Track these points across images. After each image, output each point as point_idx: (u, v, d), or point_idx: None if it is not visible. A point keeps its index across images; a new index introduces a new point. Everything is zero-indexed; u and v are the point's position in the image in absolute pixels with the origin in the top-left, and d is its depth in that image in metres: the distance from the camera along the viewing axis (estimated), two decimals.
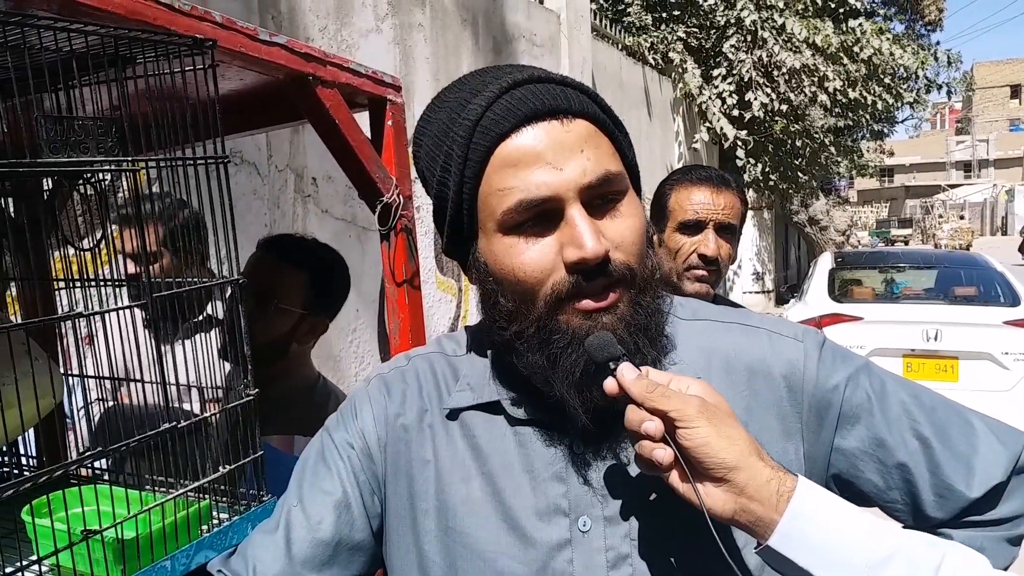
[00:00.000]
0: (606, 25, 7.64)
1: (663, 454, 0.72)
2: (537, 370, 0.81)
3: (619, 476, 0.82)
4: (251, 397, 0.96)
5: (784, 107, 8.73)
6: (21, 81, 0.77)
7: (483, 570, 0.83)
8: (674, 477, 0.73)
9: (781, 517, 0.71)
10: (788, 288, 9.03)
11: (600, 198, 0.78)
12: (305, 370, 1.72)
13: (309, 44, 1.22)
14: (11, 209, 1.26)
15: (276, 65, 1.15)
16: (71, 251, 1.04)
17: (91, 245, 0.98)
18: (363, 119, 1.38)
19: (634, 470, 0.82)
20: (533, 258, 0.78)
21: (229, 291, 1.14)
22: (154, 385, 0.90)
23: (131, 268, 1.54)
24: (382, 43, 3.87)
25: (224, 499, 0.98)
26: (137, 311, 0.91)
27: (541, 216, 0.77)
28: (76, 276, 1.01)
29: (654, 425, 0.72)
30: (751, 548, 0.76)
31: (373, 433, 0.91)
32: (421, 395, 0.92)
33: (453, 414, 0.89)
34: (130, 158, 0.85)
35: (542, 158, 0.76)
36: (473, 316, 4.65)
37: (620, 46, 7.82)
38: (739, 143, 8.60)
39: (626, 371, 0.75)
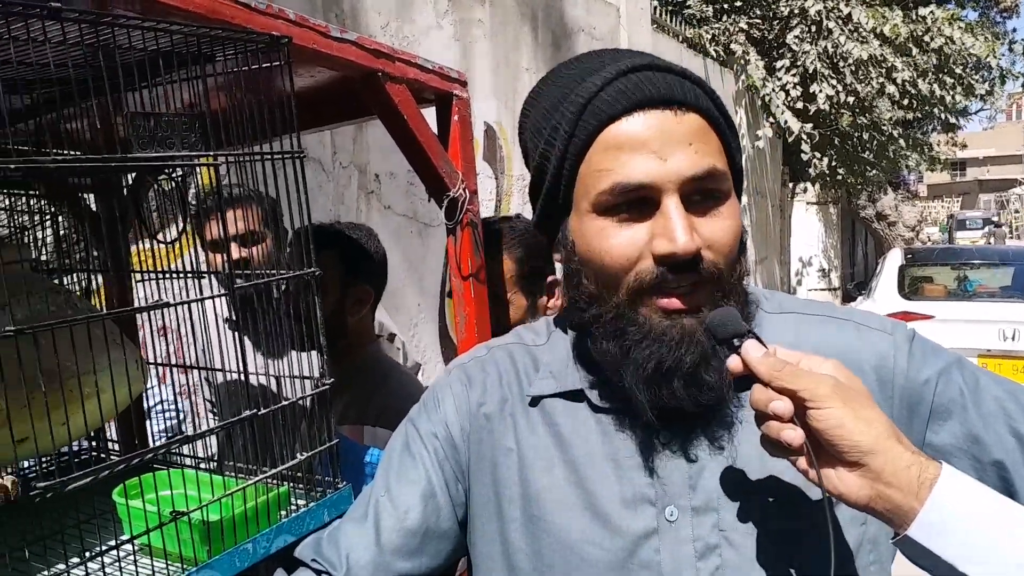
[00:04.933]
0: (666, 17, 7.55)
1: (793, 434, 0.68)
2: (608, 358, 0.81)
3: (707, 466, 0.81)
4: (327, 386, 0.99)
5: (851, 99, 8.46)
6: (111, 79, 0.80)
7: (568, 558, 0.82)
8: (802, 461, 0.70)
9: (922, 506, 0.66)
10: (855, 285, 8.75)
11: (700, 194, 0.77)
12: (368, 346, 1.78)
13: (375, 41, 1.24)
14: (92, 204, 1.32)
15: (346, 61, 1.17)
16: (147, 244, 1.07)
17: (174, 238, 1.01)
18: (429, 114, 1.39)
19: (721, 460, 0.81)
20: (622, 243, 0.77)
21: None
22: (237, 374, 0.92)
23: (234, 253, 1.64)
24: (443, 39, 3.90)
25: (301, 486, 1.00)
26: (225, 303, 0.95)
27: (635, 203, 0.77)
28: (154, 269, 1.05)
29: (783, 405, 0.69)
30: (864, 552, 0.74)
31: (456, 423, 0.92)
32: (502, 384, 0.92)
33: (535, 401, 0.89)
34: (211, 153, 0.87)
35: (647, 146, 0.76)
36: None
37: (680, 38, 7.72)
38: (804, 137, 8.37)
39: (752, 348, 0.73)
